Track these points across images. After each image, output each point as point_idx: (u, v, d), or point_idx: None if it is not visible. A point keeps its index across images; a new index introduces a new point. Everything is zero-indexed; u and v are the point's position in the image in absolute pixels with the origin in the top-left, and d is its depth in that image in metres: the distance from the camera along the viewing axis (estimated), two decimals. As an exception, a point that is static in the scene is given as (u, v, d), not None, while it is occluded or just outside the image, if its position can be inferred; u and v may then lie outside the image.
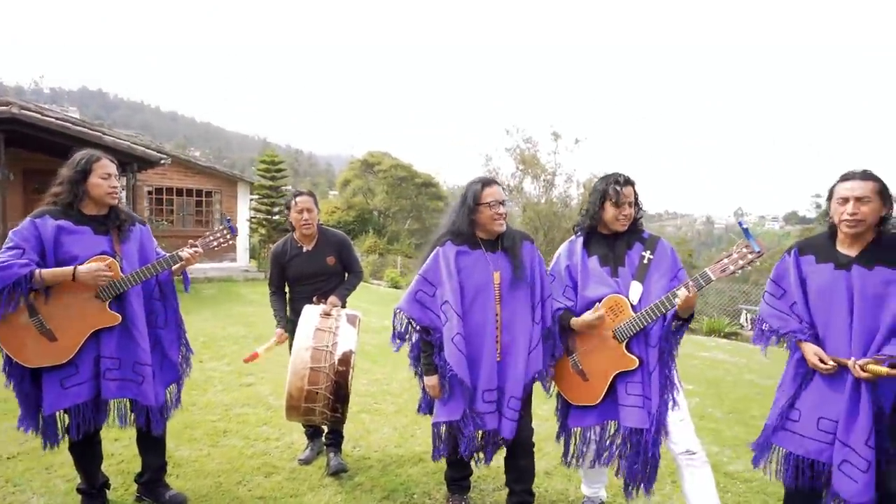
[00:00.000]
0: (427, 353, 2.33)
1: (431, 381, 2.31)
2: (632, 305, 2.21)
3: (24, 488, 2.62)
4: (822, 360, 1.91)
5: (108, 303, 2.27)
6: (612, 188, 2.26)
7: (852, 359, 1.84)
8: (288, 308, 3.15)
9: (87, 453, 2.38)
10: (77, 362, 2.23)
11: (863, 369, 1.79)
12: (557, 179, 22.59)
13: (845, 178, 1.97)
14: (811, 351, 1.94)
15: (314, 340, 2.64)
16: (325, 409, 2.62)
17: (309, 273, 3.07)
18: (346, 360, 2.65)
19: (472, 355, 2.27)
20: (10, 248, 2.11)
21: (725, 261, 2.03)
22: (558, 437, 2.48)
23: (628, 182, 2.29)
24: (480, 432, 2.32)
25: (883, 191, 1.92)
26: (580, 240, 2.41)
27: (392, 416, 3.93)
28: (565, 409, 2.43)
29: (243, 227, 15.46)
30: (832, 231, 2.02)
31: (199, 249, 2.43)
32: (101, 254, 2.27)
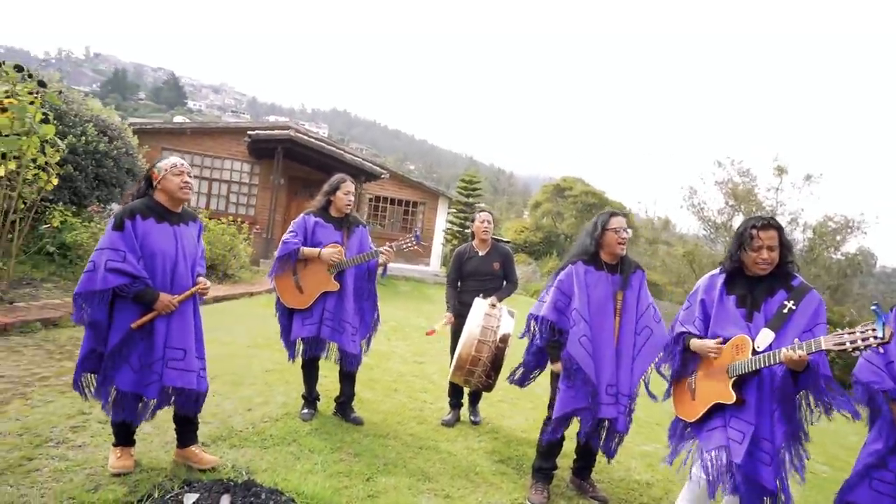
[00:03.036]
0: (556, 347, 2.85)
1: (558, 366, 2.84)
2: (755, 350, 2.23)
3: (273, 390, 3.99)
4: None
5: (333, 275, 3.43)
6: (749, 231, 2.29)
7: None
8: (457, 299, 4.05)
9: (310, 372, 3.58)
10: (312, 310, 3.42)
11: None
12: (779, 220, 20.02)
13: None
14: None
15: (483, 321, 3.48)
16: (482, 374, 3.44)
17: (478, 272, 3.96)
18: (505, 339, 3.47)
19: (595, 355, 2.75)
20: (291, 232, 3.41)
21: (846, 336, 1.93)
22: (671, 457, 2.57)
23: (769, 226, 2.27)
24: (597, 421, 2.74)
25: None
26: (722, 276, 2.45)
27: (527, 410, 4.56)
28: (680, 427, 2.57)
29: (439, 236, 17.45)
30: None
31: (393, 251, 3.47)
32: (335, 242, 3.45)
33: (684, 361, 2.52)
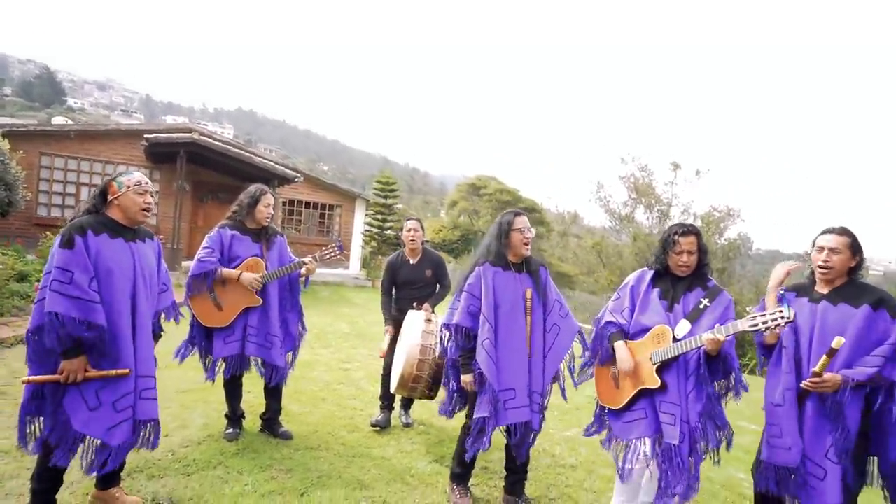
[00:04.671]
0: (467, 356, 2.78)
1: (469, 377, 2.76)
2: (674, 338, 2.48)
3: (191, 412, 3.77)
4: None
5: (255, 290, 3.31)
6: (672, 237, 2.57)
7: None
8: (393, 307, 4.09)
9: (233, 390, 3.43)
10: (234, 327, 3.28)
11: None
12: (673, 210, 21.89)
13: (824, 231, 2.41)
14: None
15: (422, 339, 3.50)
16: (424, 389, 3.54)
17: (412, 280, 4.01)
18: (443, 356, 3.49)
19: (508, 358, 2.73)
20: (206, 248, 3.25)
21: (759, 318, 2.24)
22: (606, 444, 2.72)
23: (689, 232, 2.56)
24: (523, 426, 2.71)
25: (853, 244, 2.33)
26: (651, 273, 2.72)
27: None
28: (602, 414, 2.78)
29: (357, 239, 17.22)
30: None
31: (317, 262, 3.42)
32: (255, 255, 3.34)
33: (610, 353, 2.70)
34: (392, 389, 3.74)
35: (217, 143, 11.90)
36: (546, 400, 2.84)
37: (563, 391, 2.98)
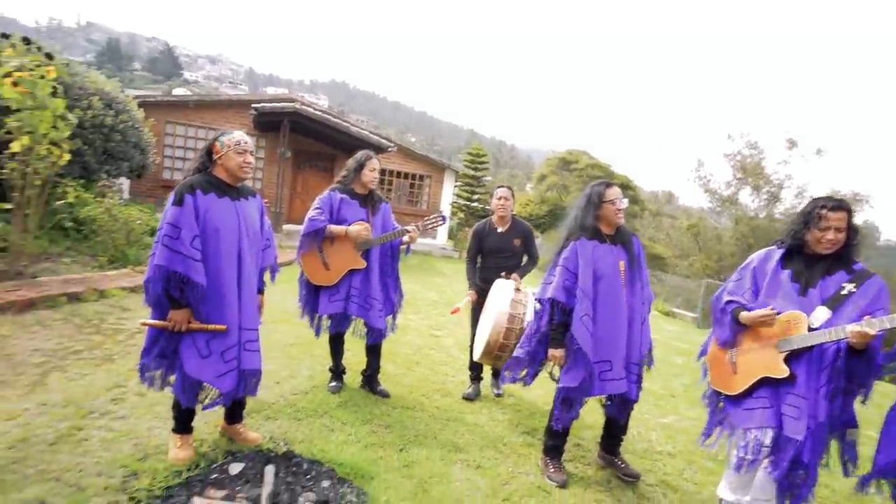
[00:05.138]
0: (560, 331, 2.76)
1: (560, 352, 2.75)
2: (810, 328, 2.22)
3: (298, 364, 4.05)
4: None
5: (360, 253, 3.44)
6: (818, 211, 2.28)
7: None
8: (477, 276, 4.07)
9: (336, 347, 3.63)
10: (339, 286, 3.44)
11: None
12: (785, 193, 19.88)
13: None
14: None
15: (510, 308, 3.45)
16: (509, 359, 3.46)
17: (499, 249, 3.95)
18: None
19: (608, 331, 2.73)
20: (317, 208, 3.40)
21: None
22: (707, 433, 2.59)
23: (840, 207, 2.25)
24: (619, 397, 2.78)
25: None
26: (780, 251, 2.44)
27: (547, 381, 4.63)
28: (716, 399, 2.57)
29: (445, 210, 17.40)
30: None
31: (419, 231, 3.47)
32: (361, 220, 3.45)
33: (734, 333, 2.48)
34: (476, 357, 3.72)
35: (317, 112, 12.42)
36: (641, 369, 2.85)
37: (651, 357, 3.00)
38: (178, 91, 32.18)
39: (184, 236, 2.27)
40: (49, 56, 4.94)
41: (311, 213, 3.41)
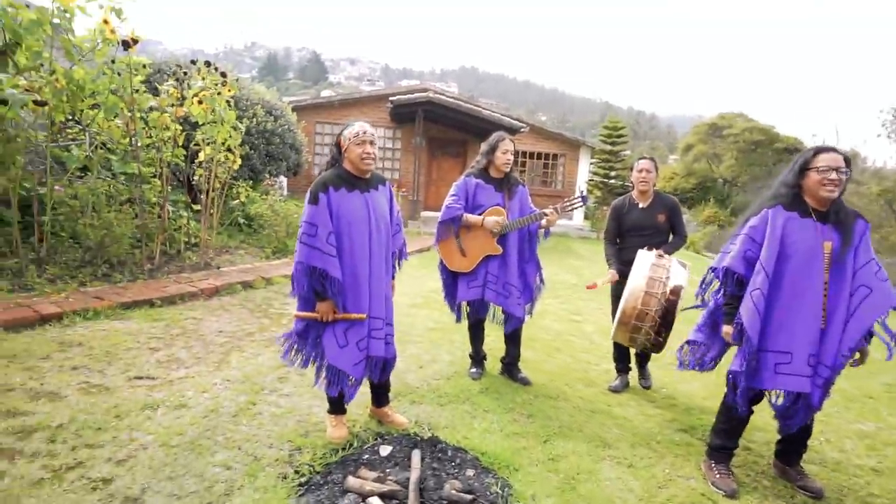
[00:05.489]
0: (733, 305, 2.47)
1: (728, 329, 2.47)
2: None
3: (438, 349, 4.15)
4: None
5: (496, 239, 3.37)
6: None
7: None
8: (618, 258, 3.72)
9: (476, 333, 3.63)
10: (476, 273, 3.41)
11: None
12: None
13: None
14: None
15: (650, 271, 3.14)
16: (650, 331, 3.11)
17: (641, 226, 3.59)
18: (676, 291, 3.09)
19: (791, 317, 2.33)
20: (453, 196, 3.40)
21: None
22: None
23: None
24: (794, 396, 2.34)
25: None
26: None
27: (705, 374, 4.16)
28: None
29: (582, 189, 16.66)
30: None
31: (558, 213, 3.30)
32: (497, 204, 3.37)
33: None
34: (612, 336, 3.41)
35: (449, 99, 12.62)
36: (835, 375, 2.32)
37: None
38: (325, 93, 35.19)
39: (320, 233, 2.38)
40: (223, 75, 5.64)
41: (447, 201, 3.42)
